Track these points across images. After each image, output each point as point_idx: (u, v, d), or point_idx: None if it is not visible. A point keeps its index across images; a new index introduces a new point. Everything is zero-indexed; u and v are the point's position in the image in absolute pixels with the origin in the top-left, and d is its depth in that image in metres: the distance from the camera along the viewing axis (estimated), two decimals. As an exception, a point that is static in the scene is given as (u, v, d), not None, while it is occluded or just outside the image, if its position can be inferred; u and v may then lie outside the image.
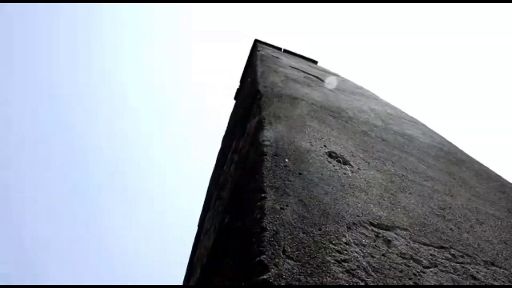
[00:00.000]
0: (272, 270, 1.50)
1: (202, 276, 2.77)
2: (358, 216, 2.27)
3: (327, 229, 1.97)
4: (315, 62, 8.67)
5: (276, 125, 3.06)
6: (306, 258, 1.67)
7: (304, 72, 6.20)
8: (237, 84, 7.87)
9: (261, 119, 3.11)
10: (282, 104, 3.73)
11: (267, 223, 1.78)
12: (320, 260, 1.70)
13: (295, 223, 1.88)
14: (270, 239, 1.68)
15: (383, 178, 3.10)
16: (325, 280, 1.59)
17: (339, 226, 2.05)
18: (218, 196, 4.56)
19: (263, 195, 2.02)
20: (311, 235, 1.85)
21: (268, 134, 2.80)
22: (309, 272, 1.59)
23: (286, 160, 2.51)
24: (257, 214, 1.88)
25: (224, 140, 6.66)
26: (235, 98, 7.75)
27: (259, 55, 6.18)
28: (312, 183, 2.39)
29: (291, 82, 4.94)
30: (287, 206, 1.99)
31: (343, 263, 1.76)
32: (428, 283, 1.99)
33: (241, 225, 2.15)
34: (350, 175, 2.81)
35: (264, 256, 1.56)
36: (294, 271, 1.56)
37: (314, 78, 6.06)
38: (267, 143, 2.65)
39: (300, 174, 2.42)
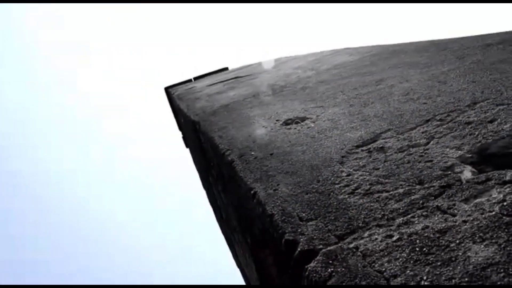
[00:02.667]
0: (302, 239, 1.46)
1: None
2: (342, 149, 2.27)
3: (324, 176, 1.94)
4: (226, 68, 8.74)
5: (225, 134, 3.04)
6: (323, 210, 1.63)
7: (221, 82, 6.23)
8: (178, 134, 7.85)
9: (210, 139, 3.08)
10: (220, 116, 3.71)
11: (271, 208, 1.74)
12: (336, 202, 1.68)
13: (294, 192, 1.85)
14: (282, 218, 1.64)
15: (341, 108, 3.12)
16: (351, 212, 1.56)
17: (332, 167, 2.03)
18: (232, 229, 4.48)
19: (252, 191, 1.98)
20: (314, 190, 1.82)
21: (224, 146, 2.77)
22: (333, 218, 1.56)
23: (253, 153, 2.49)
24: (259, 209, 1.84)
25: (204, 185, 6.58)
26: (186, 146, 7.70)
27: (175, 96, 6.17)
28: (286, 153, 2.37)
29: (215, 96, 4.94)
30: (278, 185, 1.96)
31: (357, 190, 1.74)
32: (437, 154, 1.99)
33: (258, 230, 2.10)
34: (313, 125, 2.81)
35: (287, 234, 1.52)
36: (320, 226, 1.52)
37: (233, 80, 6.09)
38: (228, 152, 2.62)
39: (271, 154, 2.39)
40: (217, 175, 3.58)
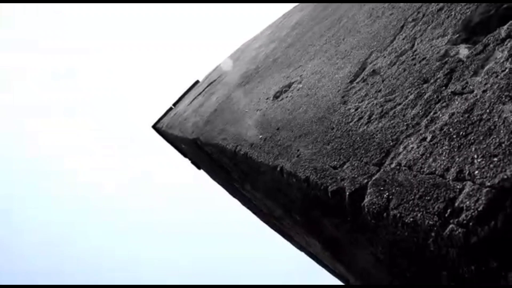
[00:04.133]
0: (345, 183, 1.45)
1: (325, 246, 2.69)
2: (339, 91, 2.25)
3: (335, 122, 1.93)
4: (197, 81, 8.72)
5: (227, 135, 3.02)
6: (351, 150, 1.62)
7: (199, 94, 6.21)
8: (186, 161, 7.84)
9: (216, 146, 3.07)
10: (214, 123, 3.70)
11: (303, 173, 1.72)
12: (358, 138, 1.66)
13: (315, 149, 1.84)
14: (317, 175, 1.62)
15: (319, 58, 3.10)
16: (377, 138, 1.54)
17: (338, 110, 2.02)
18: (279, 218, 4.48)
19: (278, 168, 1.97)
20: (333, 138, 1.81)
21: (232, 145, 2.76)
22: (363, 151, 1.54)
23: (260, 136, 2.47)
24: (292, 179, 1.83)
25: (233, 195, 6.58)
26: (199, 168, 7.70)
27: (165, 128, 6.16)
28: (291, 120, 2.35)
29: (200, 108, 4.93)
30: (298, 150, 1.94)
31: (372, 117, 1.72)
32: (427, 50, 1.97)
33: (301, 201, 2.09)
34: (301, 86, 2.79)
35: (330, 186, 1.51)
36: (356, 164, 1.51)
37: (209, 87, 6.07)
38: (238, 148, 2.61)
39: (278, 129, 2.38)
40: (239, 176, 3.57)
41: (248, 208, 6.31)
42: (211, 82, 6.22)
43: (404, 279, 1.73)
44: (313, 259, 5.44)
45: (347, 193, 1.38)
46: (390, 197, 1.20)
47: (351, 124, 1.80)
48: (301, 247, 5.27)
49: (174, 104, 7.93)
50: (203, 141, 3.51)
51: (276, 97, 2.97)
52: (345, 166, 1.53)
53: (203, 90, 6.14)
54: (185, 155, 7.58)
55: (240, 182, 4.00)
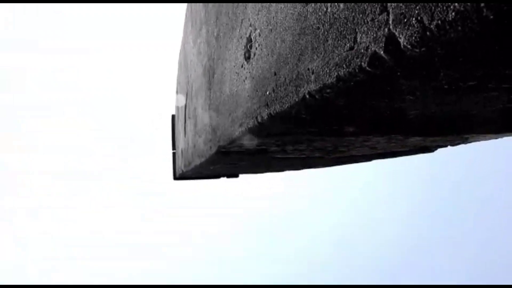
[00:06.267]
0: (373, 47, 1.41)
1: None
2: (293, 4, 2.20)
3: (315, 21, 1.89)
4: (174, 116, 8.74)
5: (240, 120, 3.01)
6: (350, 26, 1.58)
7: (185, 121, 6.21)
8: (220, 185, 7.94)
9: (240, 137, 3.06)
10: (220, 126, 3.69)
11: (330, 77, 1.69)
12: (347, 12, 1.62)
13: (320, 53, 1.80)
14: (346, 65, 1.59)
15: (253, 6, 3.05)
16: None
17: (308, 12, 1.98)
18: (333, 149, 4.48)
19: (307, 95, 1.94)
20: (326, 33, 1.76)
21: (251, 124, 2.75)
22: (360, 15, 1.50)
23: (267, 92, 2.45)
24: (325, 91, 1.80)
25: (284, 169, 6.58)
26: (236, 176, 7.76)
27: (186, 170, 6.19)
28: (280, 59, 2.32)
29: (197, 128, 4.92)
30: (308, 69, 1.91)
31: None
32: None
33: (348, 100, 2.07)
34: (260, 30, 2.75)
35: (363, 64, 1.47)
36: (365, 29, 1.46)
37: (187, 108, 6.05)
38: (258, 118, 2.60)
39: (275, 74, 2.35)
40: (276, 145, 3.56)
41: (303, 167, 6.31)
42: (185, 103, 6.20)
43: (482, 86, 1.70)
44: (385, 157, 5.43)
45: (382, 52, 1.35)
46: (417, 13, 1.16)
47: (329, 10, 1.75)
48: (369, 157, 5.26)
49: (173, 148, 7.93)
50: (225, 145, 3.50)
51: (247, 57, 2.93)
52: (359, 38, 1.49)
53: (185, 114, 6.12)
54: (217, 176, 7.60)
55: (280, 151, 3.99)
